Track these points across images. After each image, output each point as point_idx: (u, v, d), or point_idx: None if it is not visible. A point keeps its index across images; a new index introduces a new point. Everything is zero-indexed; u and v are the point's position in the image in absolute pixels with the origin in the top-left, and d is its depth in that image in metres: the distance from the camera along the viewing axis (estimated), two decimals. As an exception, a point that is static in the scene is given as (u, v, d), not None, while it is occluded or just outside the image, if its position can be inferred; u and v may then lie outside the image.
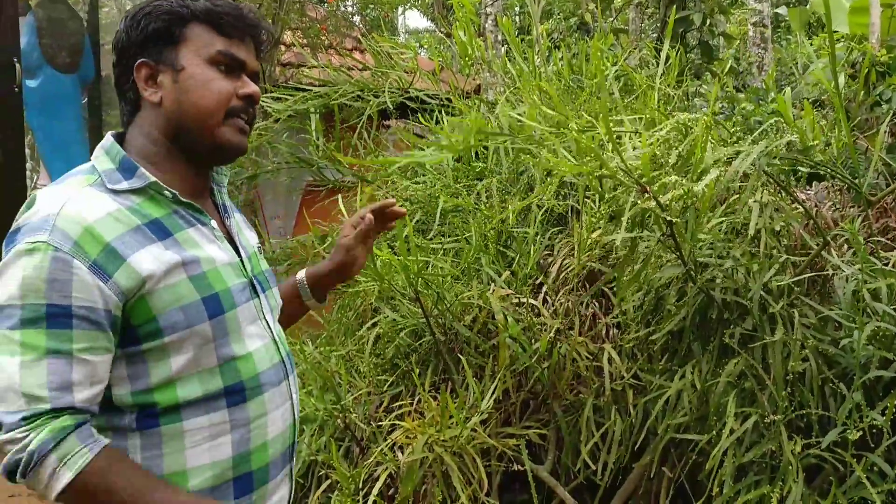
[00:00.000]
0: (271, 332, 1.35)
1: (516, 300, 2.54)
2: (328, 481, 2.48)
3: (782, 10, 9.82)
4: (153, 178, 1.23)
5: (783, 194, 2.40)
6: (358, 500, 2.28)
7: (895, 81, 2.76)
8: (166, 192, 1.24)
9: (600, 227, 2.55)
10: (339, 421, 2.54)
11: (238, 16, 1.29)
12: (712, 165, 1.91)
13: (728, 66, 5.93)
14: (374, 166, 3.36)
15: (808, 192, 2.79)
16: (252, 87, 1.30)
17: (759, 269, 2.19)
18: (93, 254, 1.12)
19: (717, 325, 2.26)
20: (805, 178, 2.53)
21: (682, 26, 5.89)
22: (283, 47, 6.35)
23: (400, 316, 2.66)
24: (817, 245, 2.25)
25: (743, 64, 6.57)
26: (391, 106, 3.23)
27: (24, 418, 1.08)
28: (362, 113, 3.19)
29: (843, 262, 2.20)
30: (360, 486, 2.32)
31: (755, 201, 2.27)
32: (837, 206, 2.68)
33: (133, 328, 1.15)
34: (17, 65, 2.87)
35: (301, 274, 1.61)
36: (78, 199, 1.16)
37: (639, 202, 1.83)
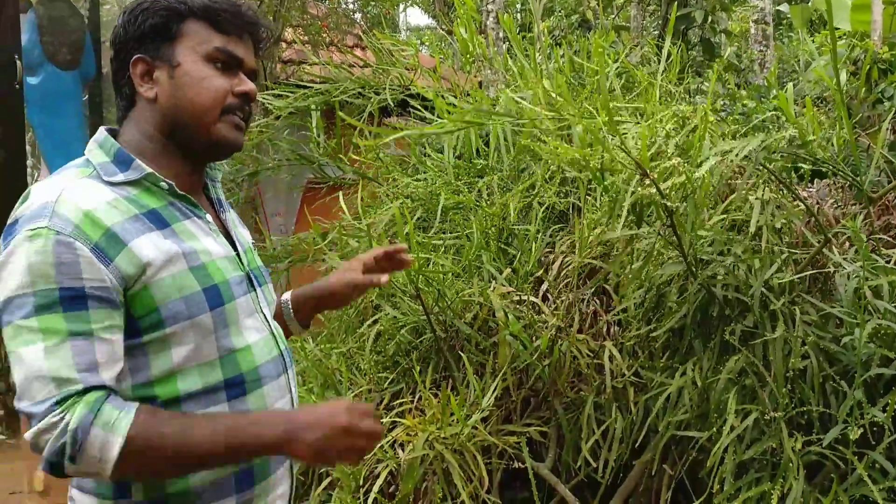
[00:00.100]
0: (269, 325, 1.35)
1: (517, 297, 2.54)
2: (329, 479, 2.48)
3: (784, 8, 9.81)
4: (149, 170, 1.22)
5: (785, 191, 2.40)
6: (359, 498, 2.28)
7: (897, 78, 2.76)
8: (163, 183, 1.24)
9: (601, 224, 2.55)
10: (339, 418, 2.53)
11: (236, 13, 1.28)
12: (710, 154, 1.91)
13: (726, 60, 5.92)
14: (376, 164, 3.36)
15: (811, 189, 2.79)
16: (248, 85, 1.29)
17: (760, 266, 2.19)
18: (94, 237, 1.12)
19: (719, 322, 2.26)
20: (808, 175, 2.53)
21: (684, 23, 5.89)
22: (284, 44, 6.35)
23: (401, 313, 2.66)
24: (819, 242, 2.25)
25: (745, 61, 6.56)
26: (392, 103, 3.22)
27: (57, 402, 1.06)
28: (363, 110, 3.18)
29: (844, 259, 2.19)
30: (361, 483, 2.32)
31: (757, 198, 2.27)
32: (839, 204, 2.68)
33: (134, 320, 1.15)
34: (18, 62, 2.87)
35: (286, 295, 1.59)
36: (75, 188, 1.16)
37: (639, 189, 1.83)
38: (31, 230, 1.10)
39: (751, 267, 2.22)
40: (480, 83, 4.19)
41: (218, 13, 1.26)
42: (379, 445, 2.30)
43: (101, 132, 1.27)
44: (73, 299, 1.10)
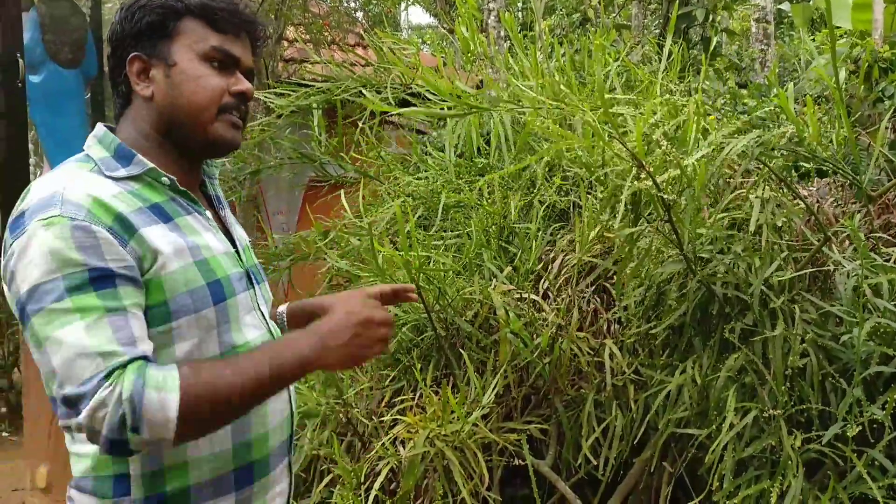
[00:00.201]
0: (266, 324, 1.35)
1: (518, 295, 2.54)
2: (330, 476, 2.49)
3: (785, 6, 9.80)
4: (151, 165, 1.23)
5: (785, 190, 2.40)
6: (360, 495, 2.28)
7: (897, 77, 2.76)
8: (164, 178, 1.24)
9: (601, 221, 2.55)
10: (341, 416, 2.54)
11: (233, 11, 1.28)
12: (703, 144, 1.92)
13: (726, 59, 5.92)
14: (377, 163, 3.37)
15: (811, 188, 2.79)
16: (245, 84, 1.29)
17: (760, 264, 2.19)
18: (107, 220, 1.12)
19: (718, 320, 2.26)
20: (812, 173, 2.53)
21: (685, 22, 5.89)
22: (285, 43, 6.35)
23: (402, 311, 2.67)
24: (818, 241, 2.26)
25: (745, 60, 6.56)
26: (393, 102, 3.23)
27: (105, 376, 1.04)
28: (364, 109, 3.19)
29: (844, 257, 2.20)
30: (362, 480, 2.33)
31: (757, 197, 2.27)
32: (839, 202, 2.68)
33: (146, 309, 1.15)
34: (21, 60, 2.87)
35: (282, 308, 1.59)
36: (79, 178, 1.16)
37: (635, 182, 1.84)
38: (45, 219, 1.09)
39: (751, 265, 2.22)
40: (482, 82, 4.20)
41: (215, 11, 1.26)
42: (381, 443, 2.31)
43: (100, 128, 1.27)
44: (101, 279, 1.09)
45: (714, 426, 2.09)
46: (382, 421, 2.46)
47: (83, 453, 1.19)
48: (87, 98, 3.58)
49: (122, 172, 1.21)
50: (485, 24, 6.98)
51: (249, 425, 1.26)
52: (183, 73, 1.25)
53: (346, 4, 7.32)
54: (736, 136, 2.15)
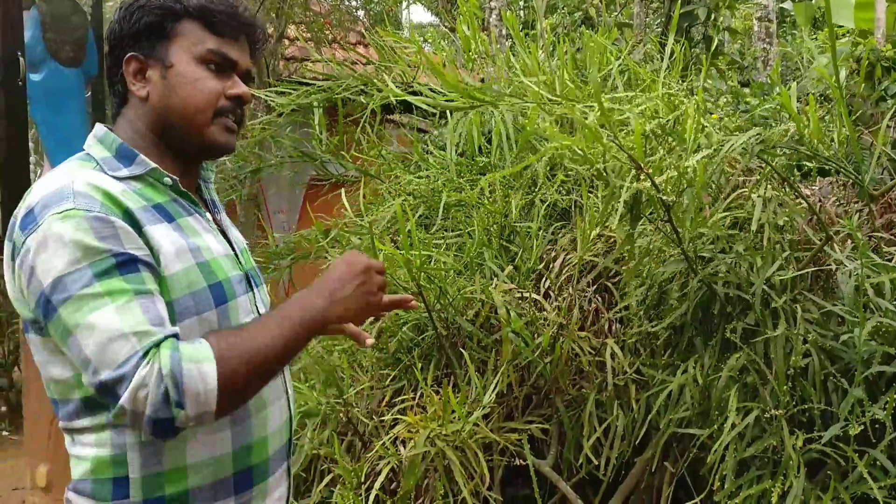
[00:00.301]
0: None
1: (519, 295, 2.54)
2: (330, 475, 2.49)
3: (788, 5, 9.79)
4: (154, 165, 1.23)
5: (787, 189, 2.40)
6: (360, 495, 2.28)
7: (900, 76, 2.75)
8: (167, 178, 1.24)
9: (601, 221, 2.55)
10: (341, 415, 2.54)
11: (232, 14, 1.28)
12: (703, 143, 1.91)
13: (728, 57, 5.91)
14: (378, 161, 3.36)
15: (813, 187, 2.79)
16: (241, 88, 1.29)
17: (762, 263, 2.18)
18: (118, 212, 1.12)
19: (720, 319, 2.26)
20: (815, 172, 2.52)
21: (687, 20, 5.88)
22: (286, 41, 6.35)
23: (403, 310, 2.66)
24: (820, 240, 2.25)
25: (748, 59, 6.55)
26: (394, 100, 3.22)
27: (142, 356, 1.04)
28: (365, 107, 3.18)
29: (846, 257, 2.19)
30: (363, 480, 2.33)
31: (758, 196, 2.26)
32: (841, 202, 2.68)
33: None
34: (21, 59, 2.87)
35: None
36: (85, 174, 1.16)
37: (634, 183, 1.83)
38: (60, 212, 1.09)
39: (752, 264, 2.22)
40: (483, 81, 4.19)
41: (213, 14, 1.26)
42: (381, 443, 2.30)
43: (101, 128, 1.27)
44: (125, 264, 1.09)
45: (716, 426, 2.08)
46: (383, 420, 2.46)
47: (83, 456, 1.19)
48: (87, 97, 3.58)
49: (125, 172, 1.21)
50: (486, 23, 6.98)
51: (250, 429, 1.26)
52: (179, 75, 1.24)
53: (347, 3, 7.32)
54: (736, 133, 2.15)
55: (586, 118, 1.81)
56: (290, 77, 6.01)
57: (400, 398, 2.49)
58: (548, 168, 2.88)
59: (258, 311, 1.33)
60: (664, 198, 1.89)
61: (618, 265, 2.57)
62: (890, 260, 2.26)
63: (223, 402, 1.08)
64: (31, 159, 3.01)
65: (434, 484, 2.30)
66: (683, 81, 3.18)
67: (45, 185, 1.14)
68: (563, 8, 10.26)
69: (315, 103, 3.23)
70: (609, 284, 2.63)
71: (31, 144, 3.07)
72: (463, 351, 2.44)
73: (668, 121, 2.08)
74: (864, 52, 3.02)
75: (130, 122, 1.27)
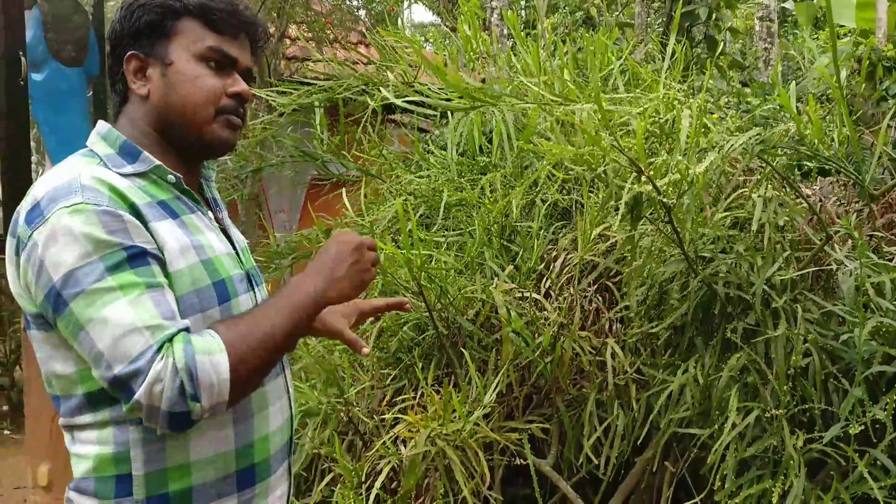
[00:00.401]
0: None
1: (520, 294, 2.54)
2: (331, 474, 2.49)
3: (789, 5, 9.78)
4: (157, 162, 1.23)
5: (787, 189, 2.40)
6: (361, 494, 2.28)
7: (901, 76, 2.75)
8: (170, 176, 1.24)
9: (602, 221, 2.55)
10: (342, 414, 2.54)
11: (232, 12, 1.28)
12: (706, 147, 1.91)
13: (729, 57, 5.91)
14: (379, 161, 3.36)
15: (814, 187, 2.79)
16: (241, 86, 1.29)
17: (762, 263, 2.19)
18: (125, 208, 1.13)
19: (720, 319, 2.26)
20: (815, 172, 2.52)
21: (688, 20, 5.88)
22: (288, 41, 6.35)
23: (401, 311, 2.66)
24: (821, 240, 2.25)
25: (749, 58, 6.55)
26: (395, 100, 3.22)
27: (157, 350, 1.05)
28: (367, 107, 3.18)
29: (846, 257, 2.19)
30: (363, 479, 2.33)
31: (759, 196, 2.26)
32: (842, 202, 2.68)
33: None
34: (23, 58, 2.87)
35: None
36: (90, 170, 1.16)
37: (635, 186, 1.83)
38: (69, 206, 1.09)
39: (753, 264, 2.22)
40: (484, 80, 4.20)
41: (213, 12, 1.26)
42: (382, 442, 2.30)
43: (104, 125, 1.27)
44: (136, 257, 1.10)
45: (716, 426, 2.08)
46: (384, 420, 2.46)
47: (84, 454, 1.18)
48: (89, 96, 3.58)
49: (129, 169, 1.21)
50: (488, 23, 6.98)
51: (252, 427, 1.26)
52: (179, 73, 1.25)
53: (348, 3, 7.32)
54: (737, 133, 2.15)
55: (587, 120, 1.81)
56: (291, 77, 6.02)
57: (401, 397, 2.50)
58: (549, 168, 2.88)
59: None
60: (665, 200, 1.89)
61: (618, 265, 2.57)
62: (890, 260, 2.26)
63: (234, 392, 1.10)
64: (33, 159, 3.02)
65: (434, 483, 2.30)
66: (684, 81, 3.18)
67: (50, 180, 1.14)
68: (564, 7, 10.26)
69: (316, 103, 3.23)
70: (610, 284, 2.63)
71: (32, 144, 3.07)
72: (463, 350, 2.44)
73: (668, 122, 2.08)
74: (866, 52, 3.02)
75: (132, 121, 1.27)
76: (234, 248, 1.34)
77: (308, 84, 3.35)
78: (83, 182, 1.12)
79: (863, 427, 1.92)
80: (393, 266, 2.46)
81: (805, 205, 2.35)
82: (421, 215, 3.05)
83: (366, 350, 1.52)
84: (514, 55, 2.82)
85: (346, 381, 2.58)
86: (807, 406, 2.04)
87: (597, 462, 2.34)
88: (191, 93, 1.25)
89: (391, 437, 2.30)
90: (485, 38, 2.92)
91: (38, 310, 1.14)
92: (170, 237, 1.16)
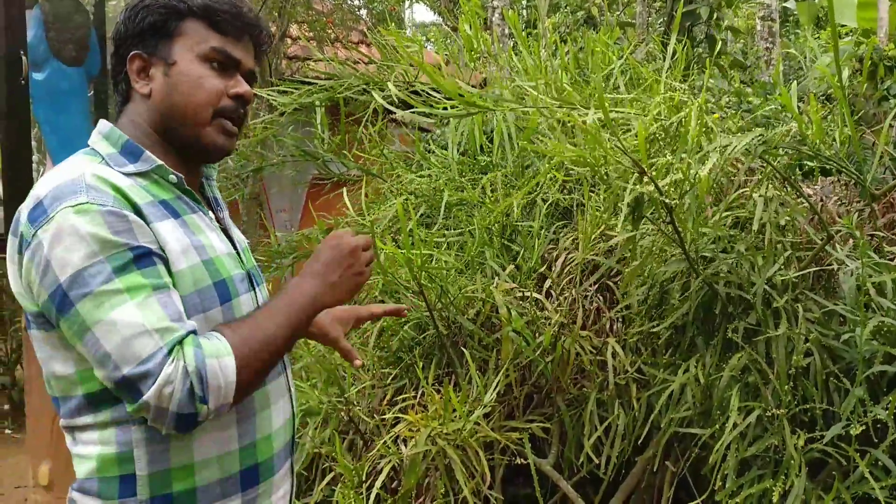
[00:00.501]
0: None
1: (520, 294, 2.54)
2: (332, 474, 2.49)
3: (791, 4, 9.77)
4: (159, 162, 1.23)
5: (788, 188, 2.40)
6: (361, 493, 2.28)
7: (902, 76, 2.75)
8: (172, 176, 1.24)
9: (604, 221, 2.55)
10: (342, 414, 2.54)
11: (236, 14, 1.28)
12: (709, 148, 1.91)
13: (731, 56, 5.90)
14: (379, 161, 3.36)
15: (815, 187, 2.78)
16: (243, 87, 1.29)
17: (763, 263, 2.18)
18: (129, 208, 1.13)
19: (721, 319, 2.26)
20: (815, 172, 2.52)
21: (689, 20, 5.88)
22: (289, 40, 6.35)
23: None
24: (822, 239, 2.25)
25: (750, 58, 6.54)
26: (396, 100, 3.22)
27: (167, 353, 1.06)
28: (367, 106, 3.18)
29: (847, 256, 2.19)
30: (364, 478, 2.33)
31: (760, 195, 2.26)
32: (843, 201, 2.67)
33: None
34: (24, 58, 2.87)
35: None
36: (94, 169, 1.17)
37: (637, 186, 1.83)
38: (74, 205, 1.09)
39: (754, 264, 2.21)
40: (485, 80, 4.20)
41: (217, 13, 1.26)
42: (382, 441, 2.30)
43: (105, 124, 1.27)
44: (141, 257, 1.11)
45: (717, 425, 2.08)
46: (384, 419, 2.46)
47: (86, 454, 1.19)
48: (90, 96, 3.58)
49: (131, 168, 1.21)
50: (489, 22, 6.98)
51: (255, 426, 1.26)
52: (181, 73, 1.25)
53: (349, 2, 7.32)
54: (739, 134, 2.15)
55: (588, 122, 1.81)
56: (292, 76, 6.02)
57: (401, 397, 2.50)
58: (550, 168, 2.88)
59: None
60: (667, 200, 1.89)
61: (619, 264, 2.57)
62: (892, 259, 2.26)
63: (238, 394, 1.12)
64: (34, 158, 3.02)
65: (435, 482, 2.30)
66: (685, 81, 3.18)
67: (53, 179, 1.14)
68: (565, 7, 10.25)
69: (317, 102, 3.23)
70: (610, 284, 2.63)
71: (33, 143, 3.07)
72: (464, 350, 2.44)
73: (671, 123, 2.08)
74: (867, 52, 3.02)
75: (133, 120, 1.28)
76: (235, 247, 1.34)
77: (309, 83, 3.34)
78: (88, 181, 1.12)
79: (864, 427, 1.91)
80: (393, 265, 2.46)
81: (806, 204, 2.35)
82: (422, 215, 3.05)
83: (357, 362, 1.54)
84: (516, 55, 2.82)
85: (347, 381, 2.58)
86: (808, 406, 2.04)
87: (597, 461, 2.34)
88: (193, 92, 1.25)
89: (392, 436, 2.30)
90: (486, 38, 2.92)
91: (39, 309, 1.14)
92: (171, 237, 1.17)
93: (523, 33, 2.89)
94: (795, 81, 2.45)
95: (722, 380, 2.12)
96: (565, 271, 2.64)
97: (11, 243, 1.16)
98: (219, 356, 1.09)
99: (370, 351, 2.71)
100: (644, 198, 1.93)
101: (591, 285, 2.62)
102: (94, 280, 1.07)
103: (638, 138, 1.78)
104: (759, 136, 2.04)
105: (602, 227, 2.57)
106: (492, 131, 3.08)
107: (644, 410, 2.33)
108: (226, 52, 1.27)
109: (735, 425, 2.01)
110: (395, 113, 2.33)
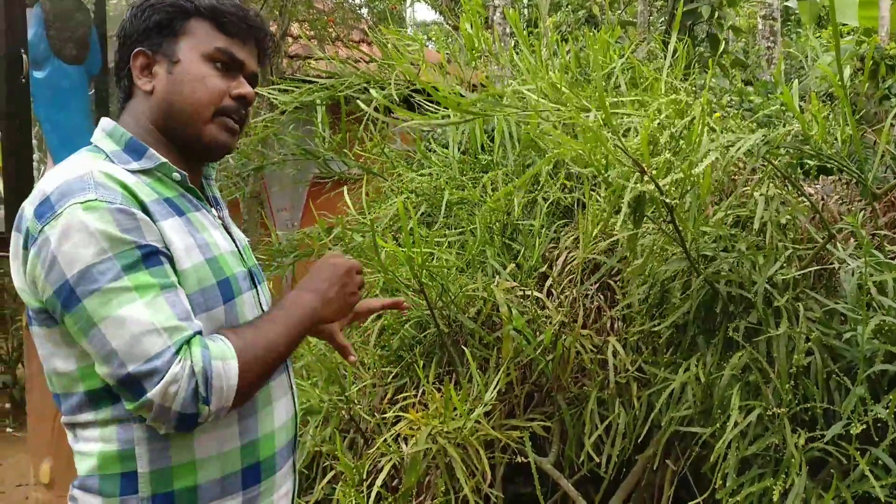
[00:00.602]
0: None
1: (521, 293, 2.54)
2: (332, 472, 2.49)
3: (792, 3, 9.76)
4: (163, 160, 1.24)
5: (790, 188, 2.39)
6: (362, 491, 2.29)
7: (904, 74, 2.75)
8: (176, 174, 1.25)
9: (604, 220, 2.55)
10: (343, 412, 2.54)
11: (242, 16, 1.29)
12: (710, 147, 1.91)
13: (732, 55, 5.90)
14: (380, 159, 3.36)
15: (816, 186, 2.78)
16: (246, 88, 1.30)
17: (764, 262, 2.18)
18: (137, 205, 1.14)
19: (722, 318, 2.26)
20: (814, 171, 2.52)
21: (690, 19, 5.87)
22: (290, 39, 6.35)
23: (400, 309, 2.66)
24: (823, 238, 2.25)
25: (752, 57, 6.54)
26: (397, 98, 3.22)
27: (175, 352, 1.07)
28: (368, 104, 3.18)
29: (848, 255, 2.19)
30: (364, 476, 2.33)
31: (761, 194, 2.26)
32: (844, 200, 2.67)
33: None
34: (24, 56, 2.87)
35: None
36: (100, 166, 1.17)
37: (637, 185, 1.83)
38: (83, 202, 1.10)
39: (755, 263, 2.21)
40: (486, 78, 4.20)
41: (223, 14, 1.27)
42: (383, 440, 2.30)
43: (109, 122, 1.27)
44: (149, 256, 1.11)
45: (718, 424, 2.08)
46: (385, 418, 2.46)
47: (87, 452, 1.19)
48: (91, 94, 3.58)
49: (135, 166, 1.22)
50: (490, 21, 6.97)
51: (256, 425, 1.26)
52: (185, 72, 1.25)
53: (350, 1, 7.32)
54: (742, 135, 2.14)
55: (589, 122, 1.81)
56: (293, 75, 6.01)
57: (402, 395, 2.50)
58: (550, 166, 2.88)
59: (262, 308, 1.34)
60: (668, 200, 1.89)
61: (620, 263, 2.57)
62: (893, 258, 2.25)
63: (238, 398, 1.13)
64: (35, 157, 3.02)
65: (435, 481, 2.30)
66: (686, 80, 3.17)
67: (60, 175, 1.14)
68: (566, 6, 10.24)
69: (318, 101, 3.23)
70: (611, 282, 2.63)
71: (34, 142, 3.07)
72: (465, 348, 2.44)
73: (672, 123, 2.08)
74: (868, 51, 3.02)
75: (135, 118, 1.28)
76: (237, 246, 1.34)
77: (310, 82, 3.35)
78: (96, 178, 1.12)
79: (864, 426, 1.91)
80: (394, 264, 2.46)
81: (807, 203, 2.35)
82: (422, 213, 3.05)
83: (352, 358, 1.55)
84: (517, 53, 2.81)
85: (348, 379, 2.58)
86: (809, 405, 2.04)
87: (598, 460, 2.34)
88: (195, 90, 1.25)
89: (392, 434, 2.30)
90: (487, 37, 2.92)
91: (42, 305, 1.14)
92: (176, 236, 1.17)
93: (524, 32, 2.89)
94: (797, 80, 2.44)
95: (723, 379, 2.12)
96: (566, 270, 2.64)
97: (15, 239, 1.16)
98: (224, 359, 1.10)
99: (371, 349, 2.71)
100: (645, 196, 1.93)
101: (591, 284, 2.62)
102: (103, 277, 1.07)
103: (640, 138, 1.78)
104: (762, 136, 2.04)
105: (602, 226, 2.56)
106: (493, 130, 3.08)
107: (645, 409, 2.33)
108: (230, 53, 1.28)
109: (736, 424, 2.01)
110: (395, 113, 2.32)
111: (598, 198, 2.65)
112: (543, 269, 2.69)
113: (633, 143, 1.87)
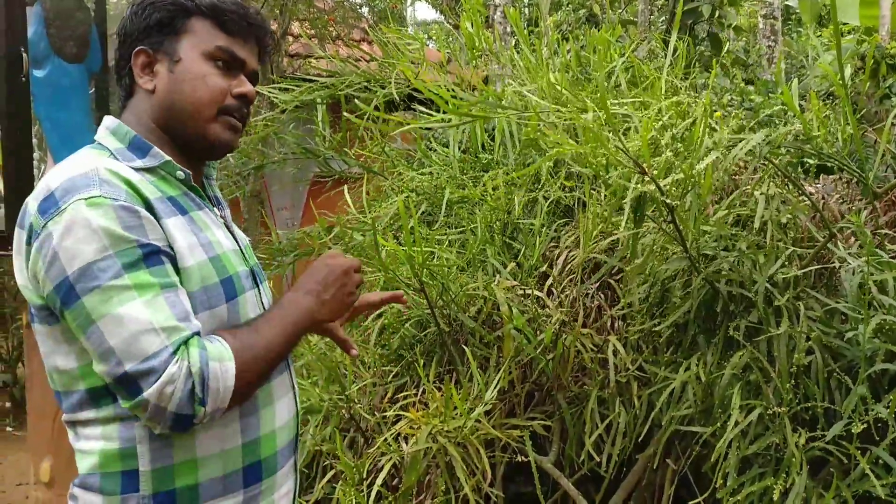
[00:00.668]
0: None
1: (521, 292, 2.54)
2: (333, 471, 2.49)
3: (793, 2, 9.76)
4: (167, 158, 1.24)
5: (790, 186, 2.39)
6: (362, 491, 2.28)
7: (905, 74, 2.74)
8: (179, 172, 1.25)
9: (605, 220, 2.55)
10: (343, 411, 2.54)
11: (243, 15, 1.30)
12: (711, 148, 1.90)
13: (732, 55, 5.89)
14: (381, 158, 3.36)
15: (817, 185, 2.78)
16: (247, 87, 1.30)
17: (765, 261, 2.18)
18: (141, 203, 1.14)
19: (723, 317, 2.26)
20: (814, 170, 2.52)
21: (691, 18, 5.87)
22: (290, 38, 6.35)
23: (404, 306, 2.66)
24: (824, 237, 2.25)
25: (752, 56, 6.53)
26: (398, 98, 3.22)
27: (173, 352, 1.07)
28: (369, 104, 3.18)
29: (849, 254, 2.19)
30: (365, 476, 2.33)
31: (762, 193, 2.26)
32: (845, 199, 2.67)
33: None
34: (25, 55, 2.87)
35: None
36: (105, 163, 1.17)
37: (638, 185, 1.83)
38: (87, 198, 1.09)
39: (755, 262, 2.21)
40: (486, 78, 4.19)
41: (224, 13, 1.27)
42: (383, 439, 2.30)
43: (112, 120, 1.28)
44: (151, 255, 1.11)
45: (718, 423, 2.08)
46: (385, 417, 2.46)
47: (88, 450, 1.19)
48: (91, 93, 3.58)
49: (139, 163, 1.22)
50: (490, 20, 6.97)
51: (258, 423, 1.26)
52: (186, 71, 1.26)
53: (350, 0, 7.32)
54: (743, 135, 2.14)
55: (590, 123, 1.81)
56: (293, 74, 6.01)
57: (402, 394, 2.49)
58: (551, 165, 2.88)
59: (263, 307, 1.34)
60: (668, 200, 1.89)
61: (621, 262, 2.57)
62: (894, 257, 2.25)
63: (234, 399, 1.13)
64: (35, 156, 3.01)
65: (436, 480, 2.30)
66: (687, 79, 3.17)
67: (65, 171, 1.14)
68: (567, 5, 10.23)
69: (318, 100, 3.23)
70: (612, 282, 2.63)
71: (34, 141, 3.07)
72: (465, 347, 2.44)
73: (674, 124, 2.07)
74: (869, 50, 3.02)
75: (137, 116, 1.28)
76: (238, 244, 1.35)
77: (310, 81, 3.34)
78: (101, 175, 1.13)
79: (865, 425, 1.91)
80: (395, 263, 2.46)
81: (808, 202, 2.35)
82: (423, 212, 3.05)
83: (354, 352, 1.54)
84: (517, 52, 2.81)
85: (348, 378, 2.58)
86: (809, 404, 2.03)
87: (598, 459, 2.34)
88: (197, 89, 1.25)
89: (393, 433, 2.30)
90: (487, 36, 2.92)
91: (43, 302, 1.14)
92: (179, 235, 1.17)
93: (525, 31, 2.88)
94: (797, 80, 2.44)
95: (723, 378, 2.12)
96: (567, 269, 2.64)
97: (18, 235, 1.16)
98: (221, 360, 1.10)
99: (371, 348, 2.71)
100: (646, 196, 1.92)
101: (592, 283, 2.62)
102: (104, 275, 1.07)
103: (641, 138, 1.78)
104: (765, 137, 2.04)
105: (602, 226, 2.56)
106: (493, 129, 3.08)
107: (645, 408, 2.33)
108: (232, 51, 1.28)
109: (736, 423, 2.01)
110: (396, 111, 2.32)
111: (599, 197, 2.65)
112: (544, 268, 2.69)
113: (633, 144, 1.87)
